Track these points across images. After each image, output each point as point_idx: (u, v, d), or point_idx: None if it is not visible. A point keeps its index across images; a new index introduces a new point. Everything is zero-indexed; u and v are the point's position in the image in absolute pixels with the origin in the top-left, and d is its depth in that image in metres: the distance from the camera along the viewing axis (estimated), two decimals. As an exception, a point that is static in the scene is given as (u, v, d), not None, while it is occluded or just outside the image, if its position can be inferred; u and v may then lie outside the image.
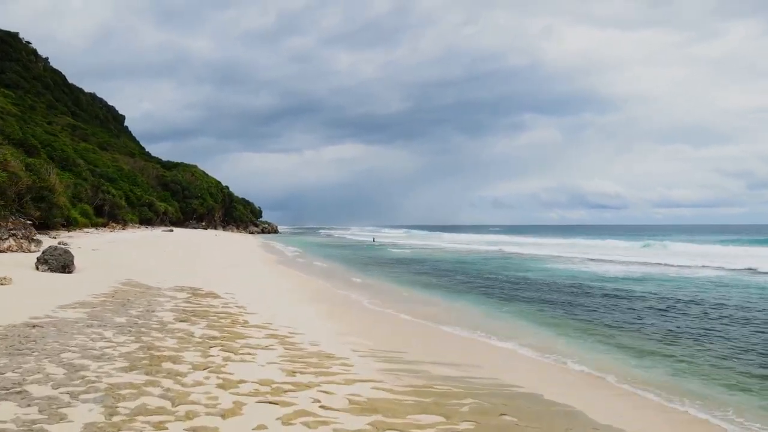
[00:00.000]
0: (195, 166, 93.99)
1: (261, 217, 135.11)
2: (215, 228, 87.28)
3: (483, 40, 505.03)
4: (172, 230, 52.48)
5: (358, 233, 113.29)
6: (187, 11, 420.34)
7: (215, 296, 12.83)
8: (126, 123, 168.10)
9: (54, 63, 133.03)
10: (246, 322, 9.88)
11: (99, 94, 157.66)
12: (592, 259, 31.98)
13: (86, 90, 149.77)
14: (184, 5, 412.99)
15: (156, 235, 41.99)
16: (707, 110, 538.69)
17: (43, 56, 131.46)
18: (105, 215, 44.21)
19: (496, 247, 47.76)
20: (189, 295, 12.46)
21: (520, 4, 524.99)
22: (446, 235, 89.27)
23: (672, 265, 26.86)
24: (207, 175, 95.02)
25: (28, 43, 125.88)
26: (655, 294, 16.91)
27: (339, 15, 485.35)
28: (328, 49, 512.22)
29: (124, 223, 46.62)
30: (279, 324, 10.03)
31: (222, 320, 9.77)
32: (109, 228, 40.55)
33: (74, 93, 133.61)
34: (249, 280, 17.75)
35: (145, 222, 59.85)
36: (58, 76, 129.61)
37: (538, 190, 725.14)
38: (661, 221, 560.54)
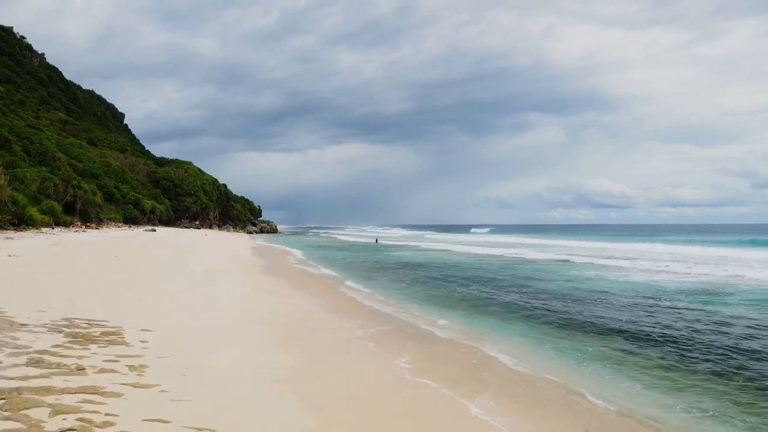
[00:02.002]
0: (189, 163, 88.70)
1: (261, 216, 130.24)
2: (210, 227, 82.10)
3: (486, 40, 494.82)
4: (154, 230, 47.28)
5: (361, 233, 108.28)
6: (190, 11, 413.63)
7: (113, 341, 7.63)
8: (131, 123, 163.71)
9: (58, 63, 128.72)
10: (107, 422, 4.69)
11: (103, 95, 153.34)
12: (634, 269, 26.80)
13: (91, 89, 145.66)
14: (187, 5, 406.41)
15: (131, 235, 36.79)
16: (711, 110, 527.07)
17: (39, 52, 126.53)
18: (76, 213, 39.03)
19: (512, 249, 42.56)
20: (65, 340, 7.27)
21: (523, 3, 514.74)
22: (448, 236, 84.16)
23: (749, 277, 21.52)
24: (202, 172, 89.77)
25: (23, 38, 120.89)
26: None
27: (341, 15, 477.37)
28: (330, 49, 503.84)
29: (98, 222, 41.42)
30: (183, 421, 4.85)
31: (52, 420, 4.58)
32: (75, 227, 35.38)
33: (71, 90, 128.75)
34: (203, 302, 12.57)
35: (130, 221, 54.69)
36: (54, 72, 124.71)
37: (542, 189, 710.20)
38: (666, 221, 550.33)
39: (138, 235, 38.36)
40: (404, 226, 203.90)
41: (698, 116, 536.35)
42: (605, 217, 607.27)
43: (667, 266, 25.80)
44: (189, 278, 16.82)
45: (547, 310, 13.49)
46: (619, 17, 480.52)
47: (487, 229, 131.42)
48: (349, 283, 19.84)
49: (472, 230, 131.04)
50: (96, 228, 38.20)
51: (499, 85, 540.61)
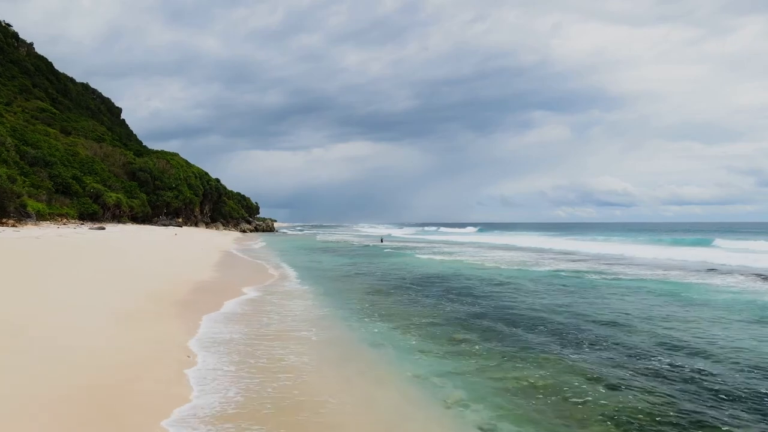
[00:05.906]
0: (176, 154, 78.59)
1: (259, 213, 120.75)
2: (196, 225, 72.08)
3: (492, 38, 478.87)
4: (103, 228, 37.37)
5: (358, 232, 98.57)
6: (196, 10, 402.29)
7: None
8: (137, 122, 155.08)
9: (63, 62, 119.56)
10: None
11: (110, 93, 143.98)
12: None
13: (85, 82, 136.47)
14: (193, 4, 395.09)
15: (49, 235, 26.74)
16: (718, 107, 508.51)
17: (28, 41, 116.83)
18: (-12, 206, 29.11)
19: (555, 255, 32.45)
20: None
21: (529, 1, 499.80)
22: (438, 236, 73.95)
23: None
24: (189, 164, 79.62)
25: (9, 25, 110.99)
26: None
27: (347, 13, 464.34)
28: (336, 47, 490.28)
29: (20, 218, 31.45)
30: None
31: None
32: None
33: (62, 81, 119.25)
34: None
35: (88, 217, 44.70)
36: (42, 63, 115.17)
37: (547, 187, 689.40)
38: (672, 219, 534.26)
39: (67, 234, 28.35)
40: (403, 225, 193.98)
41: (705, 114, 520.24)
42: (609, 215, 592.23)
43: None
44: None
45: None
46: (627, 14, 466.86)
47: (475, 228, 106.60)
48: (339, 321, 9.75)
49: (440, 229, 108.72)
50: (13, 225, 28.32)
51: (505, 82, 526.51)
